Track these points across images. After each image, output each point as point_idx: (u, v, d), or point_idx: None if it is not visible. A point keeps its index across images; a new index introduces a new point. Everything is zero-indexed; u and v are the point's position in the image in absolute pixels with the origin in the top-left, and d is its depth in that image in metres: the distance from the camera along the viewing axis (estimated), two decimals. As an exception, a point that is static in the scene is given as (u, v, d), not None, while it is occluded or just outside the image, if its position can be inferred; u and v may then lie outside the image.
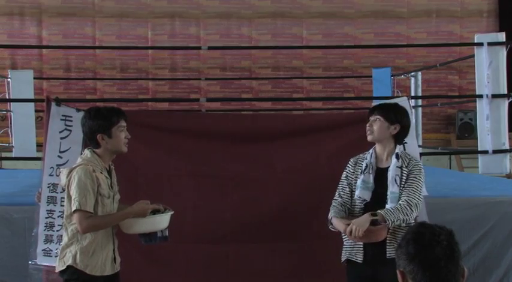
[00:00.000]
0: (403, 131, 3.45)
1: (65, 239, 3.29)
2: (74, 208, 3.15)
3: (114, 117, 3.30)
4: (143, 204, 3.27)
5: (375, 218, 3.25)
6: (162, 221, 3.34)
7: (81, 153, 3.80)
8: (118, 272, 3.40)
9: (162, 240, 3.38)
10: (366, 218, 3.26)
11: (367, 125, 3.47)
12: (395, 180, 3.35)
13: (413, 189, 3.33)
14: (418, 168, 3.39)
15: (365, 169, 3.46)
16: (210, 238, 4.30)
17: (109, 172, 3.36)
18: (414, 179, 3.35)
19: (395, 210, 3.26)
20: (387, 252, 3.32)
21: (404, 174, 3.36)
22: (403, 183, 3.34)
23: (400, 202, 3.32)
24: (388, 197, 3.37)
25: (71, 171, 3.23)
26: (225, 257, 4.33)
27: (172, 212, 3.37)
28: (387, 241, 3.33)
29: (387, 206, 3.34)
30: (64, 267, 3.26)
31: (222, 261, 4.33)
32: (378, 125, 3.43)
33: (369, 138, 3.48)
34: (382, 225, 3.25)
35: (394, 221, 3.24)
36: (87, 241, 3.22)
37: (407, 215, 3.26)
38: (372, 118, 3.46)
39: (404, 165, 3.38)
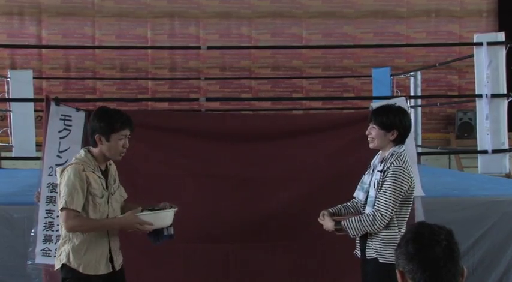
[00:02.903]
0: (401, 134, 3.39)
1: (60, 238, 3.33)
2: (60, 206, 3.20)
3: (117, 123, 3.27)
4: (132, 216, 3.25)
5: (338, 227, 3.38)
6: (165, 218, 3.34)
7: None
8: (120, 272, 3.40)
9: (168, 238, 3.40)
10: (330, 226, 3.42)
11: (367, 132, 3.47)
12: (374, 185, 3.35)
13: (381, 198, 3.28)
14: (392, 174, 3.27)
15: (368, 170, 3.50)
16: (210, 238, 4.30)
17: (104, 172, 3.36)
18: (385, 185, 3.28)
19: (357, 223, 3.31)
20: (366, 253, 3.38)
21: (381, 179, 3.32)
22: (380, 187, 3.31)
23: (367, 211, 3.37)
24: (368, 200, 3.40)
25: (63, 170, 3.27)
26: (225, 256, 4.33)
27: (175, 209, 3.38)
28: (367, 242, 3.37)
29: (366, 210, 3.39)
30: (59, 265, 3.29)
31: (222, 260, 4.34)
32: (375, 133, 3.41)
33: (370, 146, 3.48)
34: (345, 233, 3.38)
35: (354, 234, 3.36)
36: (79, 240, 3.24)
37: (368, 226, 3.28)
38: (370, 125, 3.46)
39: (385, 169, 3.33)
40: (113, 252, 3.35)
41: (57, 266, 3.32)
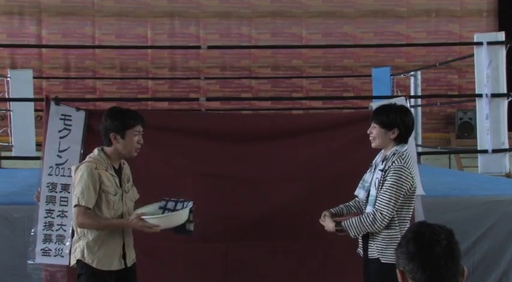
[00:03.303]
0: (402, 132, 3.37)
1: (75, 234, 3.41)
2: (74, 203, 3.29)
3: (131, 120, 3.39)
4: (136, 220, 3.30)
5: (338, 228, 3.39)
6: (172, 220, 3.41)
7: (81, 153, 4.01)
8: (132, 268, 3.48)
9: (186, 234, 3.49)
10: (331, 227, 3.43)
11: (368, 131, 3.47)
12: (375, 184, 3.34)
13: (382, 197, 3.27)
14: (393, 173, 3.26)
15: (370, 168, 3.49)
16: (210, 237, 4.29)
17: (118, 171, 3.44)
18: (386, 185, 3.27)
19: (358, 223, 3.32)
20: (368, 254, 3.38)
21: (382, 178, 3.31)
22: (381, 187, 3.30)
23: (367, 211, 3.37)
24: (369, 199, 3.39)
25: (77, 168, 3.36)
26: (224, 256, 4.33)
27: (185, 208, 3.44)
28: (368, 242, 3.38)
29: (367, 209, 3.39)
30: (74, 261, 3.38)
31: (222, 260, 4.34)
32: (375, 132, 3.41)
33: (373, 145, 3.47)
34: (346, 234, 3.38)
35: (355, 234, 3.36)
36: (93, 236, 3.33)
37: (369, 226, 3.29)
38: (371, 125, 3.46)
39: (386, 168, 3.32)
40: (127, 248, 3.44)
41: (73, 262, 3.42)
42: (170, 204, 3.53)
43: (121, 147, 3.38)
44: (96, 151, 3.42)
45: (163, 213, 3.51)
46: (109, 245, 3.35)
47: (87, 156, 3.45)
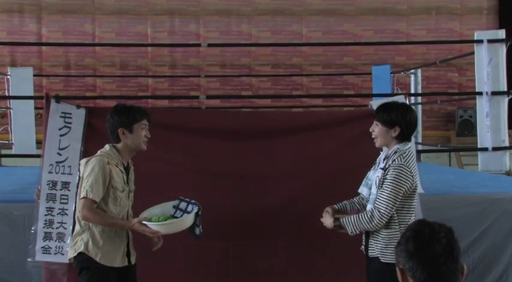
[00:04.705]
0: (404, 130, 3.35)
1: (77, 227, 3.40)
2: (81, 195, 3.28)
3: (137, 115, 3.44)
4: (137, 225, 3.34)
5: (337, 224, 3.39)
6: (172, 227, 3.43)
7: (81, 150, 4.00)
8: (133, 267, 3.50)
9: (194, 236, 3.54)
10: (330, 224, 3.43)
11: (370, 129, 3.47)
12: (376, 182, 3.33)
13: (380, 196, 3.26)
14: (392, 172, 3.24)
15: (373, 166, 3.49)
16: (211, 235, 4.28)
17: (126, 168, 3.46)
18: (386, 183, 3.25)
19: (355, 221, 3.32)
20: (369, 252, 3.38)
21: (383, 177, 3.30)
22: (381, 185, 3.29)
23: (367, 209, 3.37)
24: (370, 197, 3.39)
25: (87, 161, 3.37)
26: (225, 254, 4.34)
27: (187, 216, 3.48)
28: (369, 241, 3.38)
29: (367, 207, 3.39)
30: (75, 254, 3.35)
31: (223, 258, 4.34)
32: (377, 130, 3.41)
33: (376, 144, 3.47)
34: (344, 231, 3.39)
35: (353, 231, 3.35)
36: (98, 230, 3.33)
37: (366, 224, 3.28)
38: (373, 123, 3.45)
39: (387, 167, 3.30)
40: (131, 246, 3.46)
41: (72, 254, 3.39)
42: (182, 205, 3.58)
43: (130, 142, 3.42)
44: (107, 147, 3.44)
45: (175, 212, 3.56)
46: (114, 241, 3.36)
47: (99, 151, 3.45)
